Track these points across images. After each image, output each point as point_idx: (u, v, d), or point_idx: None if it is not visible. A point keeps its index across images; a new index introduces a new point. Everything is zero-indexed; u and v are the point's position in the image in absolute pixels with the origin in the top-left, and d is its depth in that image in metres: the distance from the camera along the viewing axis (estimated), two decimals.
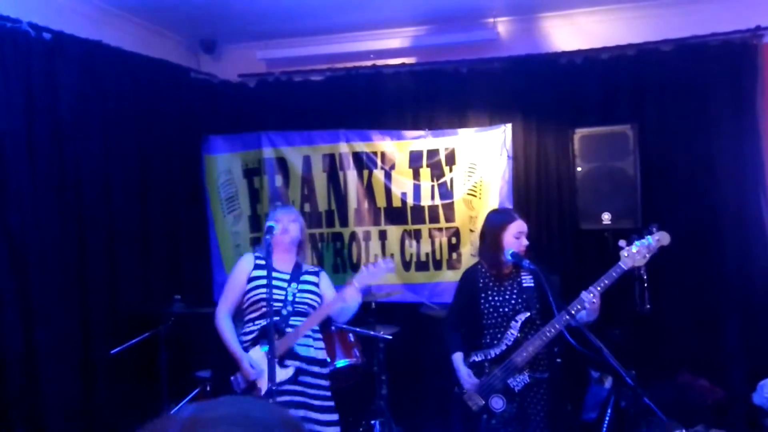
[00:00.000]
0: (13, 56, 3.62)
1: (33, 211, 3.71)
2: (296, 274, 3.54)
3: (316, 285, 3.58)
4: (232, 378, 3.40)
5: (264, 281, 3.37)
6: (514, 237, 3.37)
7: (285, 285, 3.46)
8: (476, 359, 3.36)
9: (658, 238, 3.16)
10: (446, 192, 4.82)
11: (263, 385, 3.30)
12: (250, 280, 3.50)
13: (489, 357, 3.33)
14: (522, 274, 3.39)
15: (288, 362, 3.36)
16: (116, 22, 4.52)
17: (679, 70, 4.65)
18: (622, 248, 3.19)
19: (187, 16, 4.81)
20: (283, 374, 3.31)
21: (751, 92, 4.51)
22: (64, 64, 3.94)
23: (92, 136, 4.15)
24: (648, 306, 3.64)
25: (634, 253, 3.15)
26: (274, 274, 3.36)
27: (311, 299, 3.51)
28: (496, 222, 3.48)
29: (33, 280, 3.68)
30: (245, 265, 3.57)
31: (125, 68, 4.43)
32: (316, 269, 3.71)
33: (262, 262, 3.48)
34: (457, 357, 3.41)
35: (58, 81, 3.91)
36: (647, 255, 3.16)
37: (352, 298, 3.37)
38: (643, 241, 3.16)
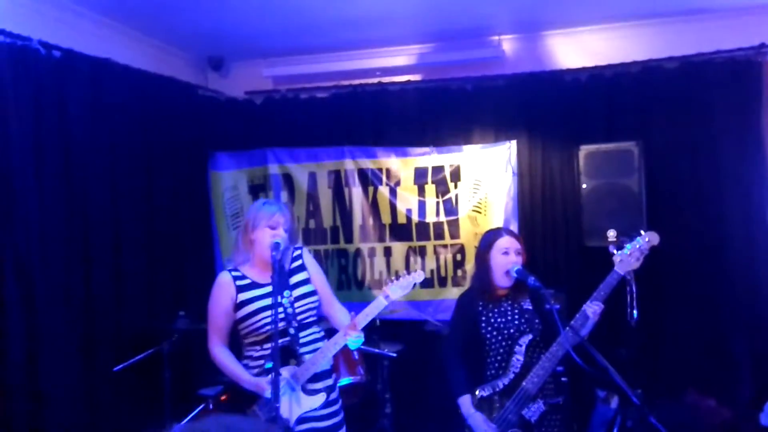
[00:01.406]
0: (24, 74, 3.66)
1: (39, 227, 3.72)
2: (283, 275, 3.07)
3: (308, 281, 3.16)
4: (250, 411, 2.99)
5: (258, 304, 3.03)
6: (502, 254, 3.22)
7: (281, 299, 2.98)
8: (484, 394, 3.13)
9: (648, 239, 3.14)
10: (451, 208, 4.82)
11: (289, 412, 2.95)
12: (239, 306, 3.07)
13: (497, 389, 3.12)
14: (520, 296, 3.26)
15: (311, 386, 3.03)
16: (125, 40, 4.57)
17: (683, 87, 4.66)
18: (614, 254, 3.17)
19: (194, 34, 4.85)
20: (312, 402, 3.02)
21: (756, 109, 4.52)
22: (73, 82, 3.98)
23: (100, 152, 4.18)
24: (636, 317, 3.57)
25: (627, 257, 3.13)
26: (263, 291, 3.03)
27: (311, 303, 3.13)
28: (484, 241, 3.35)
29: (38, 296, 3.68)
30: (225, 291, 3.09)
31: (133, 85, 4.46)
32: (298, 255, 3.20)
33: (246, 281, 3.09)
34: (465, 401, 3.12)
35: (66, 98, 3.94)
36: (640, 257, 3.13)
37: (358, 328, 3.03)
38: (633, 243, 3.15)
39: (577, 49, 4.96)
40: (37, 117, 3.75)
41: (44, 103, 3.78)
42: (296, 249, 3.25)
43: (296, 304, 3.05)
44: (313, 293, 3.16)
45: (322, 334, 3.21)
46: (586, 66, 4.86)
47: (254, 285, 3.09)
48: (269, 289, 3.01)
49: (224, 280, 3.12)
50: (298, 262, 3.19)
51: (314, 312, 3.16)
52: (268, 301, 3.00)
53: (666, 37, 4.76)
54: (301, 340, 3.04)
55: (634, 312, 3.62)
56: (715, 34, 4.60)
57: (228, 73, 5.52)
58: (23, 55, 3.66)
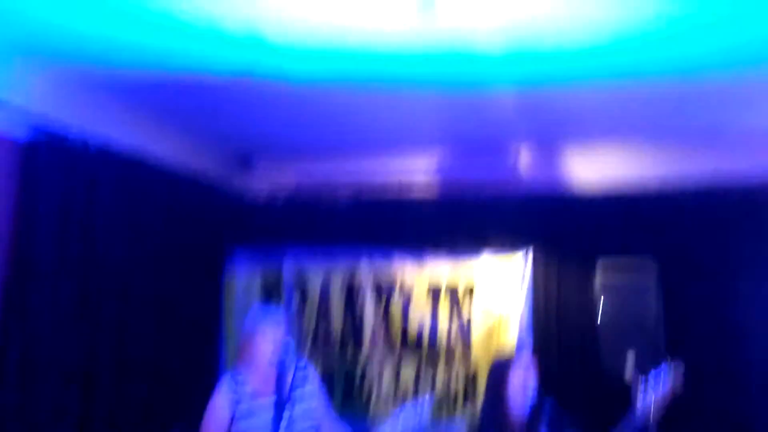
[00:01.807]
0: (57, 162, 3.74)
1: (51, 320, 3.69)
2: (281, 393, 2.94)
3: (309, 399, 3.09)
4: None
5: (253, 422, 2.96)
6: (518, 383, 3.08)
7: (280, 413, 2.88)
8: None
9: (673, 376, 3.04)
10: (464, 328, 4.73)
11: None
12: (236, 419, 2.99)
13: None
14: (536, 425, 3.14)
15: None
16: (156, 134, 4.66)
17: (702, 210, 4.66)
18: (637, 389, 3.06)
19: (225, 134, 4.99)
20: None
21: None
22: (105, 174, 4.07)
23: (121, 245, 4.20)
24: None
25: (650, 389, 3.02)
26: (263, 404, 2.96)
27: (310, 421, 3.05)
28: (496, 370, 3.22)
29: (36, 395, 3.60)
30: (224, 401, 3.03)
31: (161, 181, 4.56)
32: (302, 371, 3.13)
33: (247, 389, 3.04)
34: None
35: (96, 190, 4.01)
36: (665, 395, 3.02)
37: None
38: (657, 378, 3.04)
39: (595, 165, 4.99)
40: (65, 206, 3.80)
41: (74, 192, 3.85)
42: (303, 363, 3.20)
43: (296, 426, 2.96)
44: (313, 411, 3.09)
45: None
46: (604, 182, 4.88)
47: (255, 395, 3.02)
48: (269, 400, 2.93)
49: (224, 389, 3.06)
50: (301, 374, 3.13)
51: (314, 430, 3.09)
52: (266, 415, 2.91)
53: (686, 159, 4.79)
54: None
55: None
56: (735, 160, 4.63)
57: (254, 172, 5.62)
58: (59, 144, 3.76)
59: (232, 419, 3.00)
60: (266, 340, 3.05)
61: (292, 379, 3.06)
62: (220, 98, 4.21)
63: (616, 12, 2.97)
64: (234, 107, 4.39)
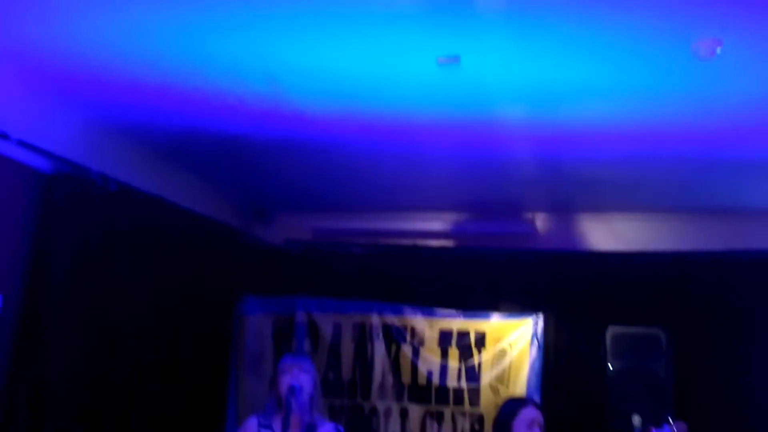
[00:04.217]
0: (76, 203, 3.79)
1: (62, 358, 3.70)
2: None
3: None
4: None
5: None
6: (526, 426, 3.12)
7: None
8: None
9: (675, 430, 3.04)
10: (473, 375, 4.76)
11: None
12: None
13: None
14: None
15: None
16: (175, 180, 4.78)
17: (713, 280, 4.72)
18: None
19: (242, 184, 5.14)
20: None
21: None
22: (124, 215, 4.12)
23: (135, 283, 4.23)
24: None
25: None
26: None
27: None
28: (506, 410, 3.27)
29: (48, 421, 3.62)
30: None
31: (179, 224, 4.62)
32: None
33: (269, 431, 3.17)
34: None
35: (115, 230, 4.06)
36: None
37: None
38: (660, 431, 3.05)
39: (608, 233, 5.10)
40: (84, 245, 3.84)
41: (93, 232, 3.90)
42: (337, 430, 3.28)
43: None
44: None
45: None
46: (617, 250, 4.96)
47: None
48: None
49: (249, 425, 3.23)
50: None
51: None
52: None
53: (697, 231, 4.90)
54: None
55: None
56: (746, 232, 4.74)
57: (270, 221, 5.73)
58: (80, 185, 3.81)
59: None
60: (286, 385, 3.16)
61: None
62: (238, 149, 4.32)
63: (637, 78, 3.11)
64: (252, 158, 4.51)
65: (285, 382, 3.19)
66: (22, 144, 3.51)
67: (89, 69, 3.35)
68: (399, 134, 3.93)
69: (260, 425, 3.21)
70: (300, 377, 3.19)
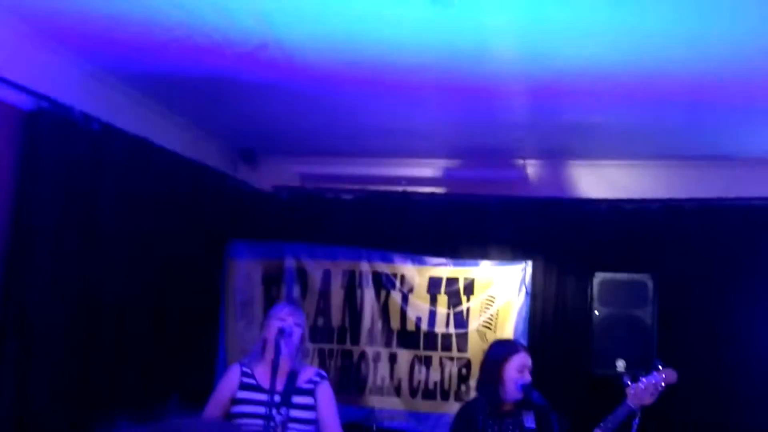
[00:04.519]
0: (61, 141, 3.72)
1: (50, 290, 3.69)
2: (289, 391, 3.13)
3: (311, 408, 3.19)
4: None
5: (251, 408, 3.12)
6: (518, 371, 3.21)
7: (273, 411, 3.02)
8: None
9: (665, 375, 3.08)
10: (461, 321, 4.79)
11: None
12: (235, 402, 3.19)
13: None
14: (524, 412, 3.22)
15: None
16: (161, 121, 4.70)
17: (702, 228, 4.73)
18: (627, 386, 3.10)
19: (230, 125, 5.06)
20: None
21: None
22: (108, 155, 4.05)
23: (122, 227, 4.19)
24: None
25: (642, 391, 3.06)
26: (261, 397, 3.10)
27: (304, 429, 3.15)
28: (498, 353, 3.33)
29: (35, 362, 3.59)
30: (229, 381, 3.26)
31: (165, 166, 4.55)
32: (314, 381, 3.28)
33: (251, 380, 3.22)
34: None
35: (99, 170, 4.00)
36: (654, 393, 3.06)
37: None
38: (649, 378, 3.08)
39: (599, 180, 5.09)
40: (67, 185, 3.79)
41: (76, 172, 3.84)
42: (319, 376, 3.31)
43: (289, 425, 3.06)
44: (310, 422, 3.18)
45: None
46: (607, 198, 4.96)
47: (257, 388, 3.18)
48: (266, 396, 3.05)
49: (232, 371, 3.30)
50: (309, 387, 3.25)
51: None
52: (260, 409, 3.06)
53: (688, 178, 4.89)
54: None
55: None
56: (736, 181, 4.73)
57: (258, 166, 5.68)
58: (62, 123, 3.73)
59: (232, 399, 3.20)
60: (272, 332, 3.19)
61: (300, 383, 3.22)
62: (226, 91, 4.25)
63: (634, 18, 3.04)
64: (240, 100, 4.43)
65: (274, 325, 3.22)
66: (1, 80, 3.41)
67: (70, 3, 3.24)
68: (390, 77, 3.85)
69: (243, 373, 3.26)
70: (291, 324, 3.22)
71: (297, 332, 3.24)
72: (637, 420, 3.32)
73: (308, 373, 3.31)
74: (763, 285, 4.55)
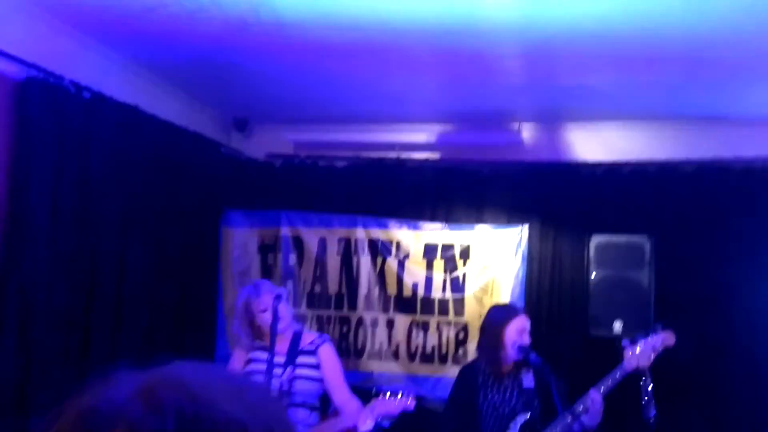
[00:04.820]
0: (51, 110, 3.71)
1: (48, 260, 3.70)
2: (293, 352, 3.29)
3: (317, 367, 3.31)
4: None
5: (257, 366, 3.25)
6: (517, 333, 3.24)
7: (279, 371, 3.19)
8: None
9: (663, 338, 3.10)
10: (458, 286, 4.80)
11: None
12: (247, 362, 3.39)
13: None
14: (523, 373, 3.26)
15: None
16: (152, 89, 4.65)
17: (699, 190, 4.71)
18: (625, 348, 3.12)
19: (222, 94, 5.00)
20: None
21: None
22: (99, 124, 4.03)
23: (116, 196, 4.19)
24: (654, 413, 3.41)
25: (639, 353, 3.08)
26: (262, 354, 3.28)
27: (309, 388, 3.29)
28: (498, 316, 3.37)
29: (35, 335, 3.61)
30: (240, 350, 3.47)
31: (157, 135, 4.53)
32: (316, 343, 3.40)
33: (261, 343, 3.34)
34: None
35: (90, 139, 3.99)
36: (651, 356, 3.08)
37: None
38: (647, 340, 3.10)
39: (595, 142, 5.05)
40: (60, 154, 3.78)
41: (68, 141, 3.83)
42: (321, 337, 3.46)
43: (295, 383, 3.22)
44: (315, 379, 3.30)
45: (313, 419, 3.28)
46: (604, 160, 4.93)
47: (264, 349, 3.27)
48: (276, 359, 3.21)
49: (237, 357, 3.48)
50: (311, 348, 3.37)
51: (313, 398, 3.31)
52: (261, 367, 3.21)
53: (685, 139, 4.85)
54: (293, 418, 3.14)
55: (652, 410, 3.45)
56: (734, 142, 4.69)
57: (251, 134, 5.64)
58: (53, 92, 3.72)
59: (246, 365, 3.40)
60: (263, 317, 3.32)
61: (303, 345, 3.36)
62: (218, 58, 4.18)
63: None
64: (232, 68, 4.37)
65: (263, 319, 3.30)
66: None
67: None
68: (382, 41, 3.80)
69: (248, 359, 3.38)
70: (270, 305, 3.28)
71: (285, 312, 3.34)
72: (650, 384, 3.33)
73: (310, 335, 3.47)
74: (761, 246, 4.55)
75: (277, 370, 3.18)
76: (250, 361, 3.36)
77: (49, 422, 0.61)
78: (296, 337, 3.36)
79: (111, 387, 0.63)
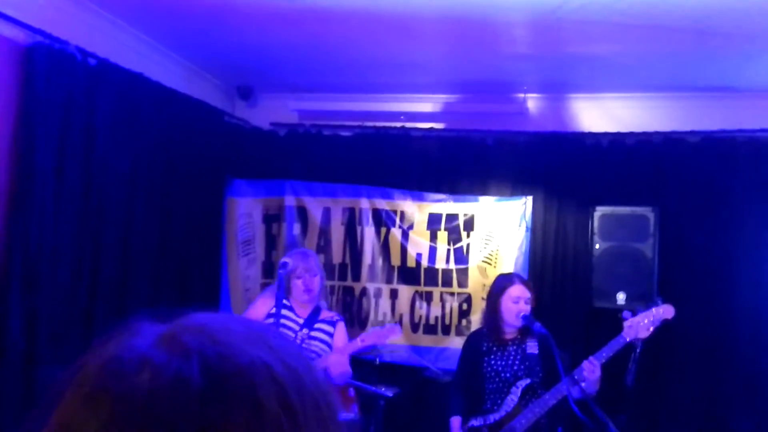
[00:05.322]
0: (57, 76, 3.70)
1: (53, 227, 3.70)
2: (312, 319, 3.63)
3: (330, 335, 3.65)
4: None
5: (282, 321, 3.46)
6: (513, 302, 3.35)
7: (297, 328, 3.55)
8: (475, 424, 3.31)
9: (662, 311, 3.13)
10: (462, 257, 4.82)
11: None
12: (268, 316, 3.57)
13: (488, 422, 3.27)
14: (528, 340, 3.34)
15: None
16: (158, 58, 4.65)
17: (703, 161, 4.71)
18: (625, 319, 3.15)
19: (227, 62, 4.97)
20: None
21: None
22: (105, 91, 4.02)
23: (121, 163, 4.19)
24: (632, 381, 3.43)
25: (638, 324, 3.11)
26: (290, 316, 3.57)
27: (320, 349, 3.56)
28: (496, 285, 3.52)
29: (40, 302, 3.64)
30: (267, 298, 3.70)
31: (162, 103, 4.51)
32: (334, 319, 3.77)
33: (287, 302, 3.61)
34: (455, 421, 3.41)
35: (96, 106, 3.97)
36: (650, 327, 3.11)
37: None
38: (646, 312, 3.13)
39: (600, 113, 5.03)
40: (65, 121, 3.77)
41: (73, 108, 3.81)
42: (339, 316, 3.88)
43: (306, 342, 3.53)
44: (325, 343, 3.62)
45: None
46: (608, 131, 4.91)
47: (291, 308, 3.61)
48: (300, 320, 3.63)
49: (268, 294, 3.79)
50: (330, 319, 3.76)
51: (319, 357, 3.56)
52: (290, 324, 3.56)
53: (690, 111, 4.83)
54: None
55: (631, 378, 3.50)
56: (738, 113, 4.67)
57: (255, 104, 5.62)
58: (59, 59, 3.70)
59: (268, 314, 3.62)
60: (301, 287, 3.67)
61: (321, 317, 3.74)
62: (223, 26, 4.16)
63: None
64: (237, 36, 4.35)
65: (300, 270, 3.68)
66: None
67: None
68: (388, 10, 3.76)
69: (279, 296, 3.55)
70: (314, 268, 3.72)
71: (315, 282, 3.69)
72: (639, 349, 3.37)
73: (329, 313, 3.83)
74: (765, 217, 4.55)
75: (295, 326, 3.56)
76: (272, 313, 3.52)
77: (72, 372, 0.61)
78: (317, 310, 3.72)
79: (133, 336, 0.64)
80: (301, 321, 3.59)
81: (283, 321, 3.50)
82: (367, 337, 3.58)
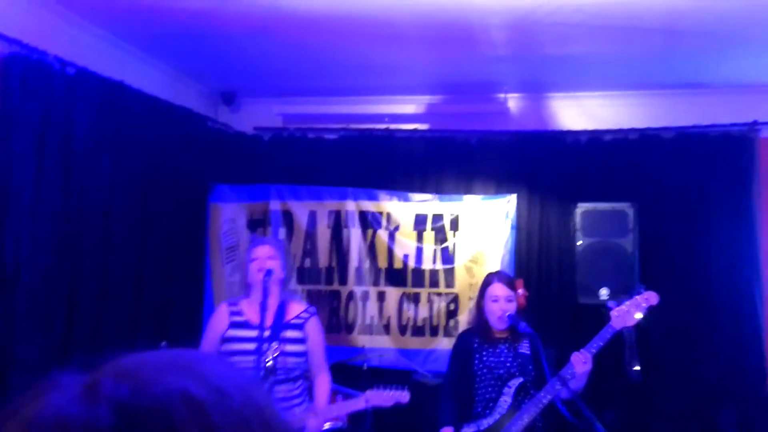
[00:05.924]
0: (34, 87, 3.65)
1: (31, 238, 3.65)
2: (278, 325, 3.13)
3: (302, 341, 3.19)
4: None
5: (242, 346, 3.10)
6: (492, 300, 3.30)
7: (254, 347, 3.04)
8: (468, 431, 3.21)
9: (647, 297, 3.17)
10: (448, 257, 4.85)
11: None
12: (226, 340, 3.16)
13: (481, 429, 3.18)
14: (519, 338, 3.34)
15: None
16: (138, 64, 4.62)
17: (679, 156, 4.82)
18: (611, 309, 3.19)
19: (210, 68, 4.96)
20: None
21: (748, 183, 4.71)
22: (84, 100, 3.97)
23: (100, 174, 4.14)
24: (638, 368, 3.44)
25: (625, 312, 3.14)
26: (251, 334, 3.11)
27: (295, 363, 3.15)
28: (483, 283, 3.48)
29: (18, 308, 3.58)
30: (219, 320, 3.24)
31: (143, 110, 4.47)
32: (303, 317, 3.26)
33: (240, 318, 3.19)
34: None
35: (75, 116, 3.93)
36: (638, 313, 3.15)
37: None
38: (631, 300, 3.17)
39: (579, 112, 5.11)
40: (43, 131, 3.72)
41: (52, 118, 3.77)
42: (308, 312, 3.32)
43: (280, 360, 3.04)
44: (300, 354, 3.19)
45: (300, 390, 3.24)
46: (587, 129, 5.00)
47: (246, 325, 3.17)
48: (256, 333, 3.08)
49: (221, 310, 3.29)
50: (299, 321, 3.25)
51: (298, 371, 3.20)
52: (251, 346, 3.06)
53: (664, 107, 4.94)
54: (279, 395, 3.08)
55: (635, 363, 3.48)
56: (711, 109, 4.79)
57: (239, 108, 5.61)
58: (36, 69, 3.66)
59: (222, 338, 3.20)
60: (255, 275, 3.19)
61: (289, 318, 3.23)
62: (205, 31, 4.15)
63: None
64: (219, 42, 4.34)
65: (255, 268, 3.22)
66: None
67: None
68: (369, 14, 3.79)
69: (231, 312, 3.25)
70: (272, 263, 3.20)
71: (278, 267, 3.22)
72: (634, 340, 3.36)
73: (297, 308, 3.31)
74: (739, 209, 4.66)
75: (251, 346, 3.07)
76: (231, 340, 3.18)
77: None
78: (282, 308, 3.21)
79: (53, 391, 0.60)
80: (259, 335, 3.05)
81: (243, 345, 3.11)
82: (372, 398, 3.19)
